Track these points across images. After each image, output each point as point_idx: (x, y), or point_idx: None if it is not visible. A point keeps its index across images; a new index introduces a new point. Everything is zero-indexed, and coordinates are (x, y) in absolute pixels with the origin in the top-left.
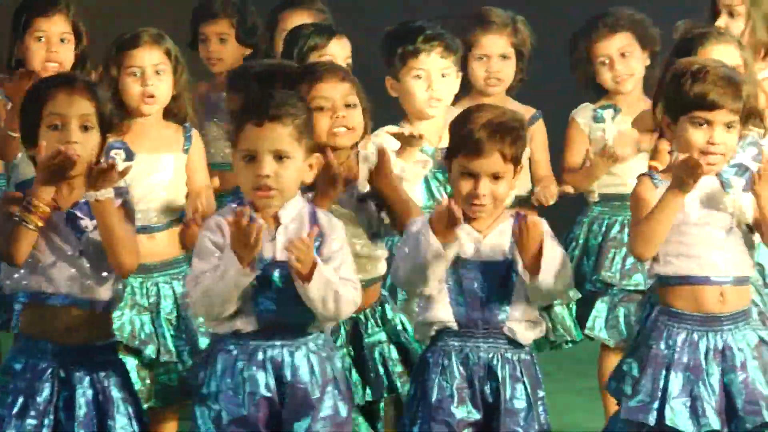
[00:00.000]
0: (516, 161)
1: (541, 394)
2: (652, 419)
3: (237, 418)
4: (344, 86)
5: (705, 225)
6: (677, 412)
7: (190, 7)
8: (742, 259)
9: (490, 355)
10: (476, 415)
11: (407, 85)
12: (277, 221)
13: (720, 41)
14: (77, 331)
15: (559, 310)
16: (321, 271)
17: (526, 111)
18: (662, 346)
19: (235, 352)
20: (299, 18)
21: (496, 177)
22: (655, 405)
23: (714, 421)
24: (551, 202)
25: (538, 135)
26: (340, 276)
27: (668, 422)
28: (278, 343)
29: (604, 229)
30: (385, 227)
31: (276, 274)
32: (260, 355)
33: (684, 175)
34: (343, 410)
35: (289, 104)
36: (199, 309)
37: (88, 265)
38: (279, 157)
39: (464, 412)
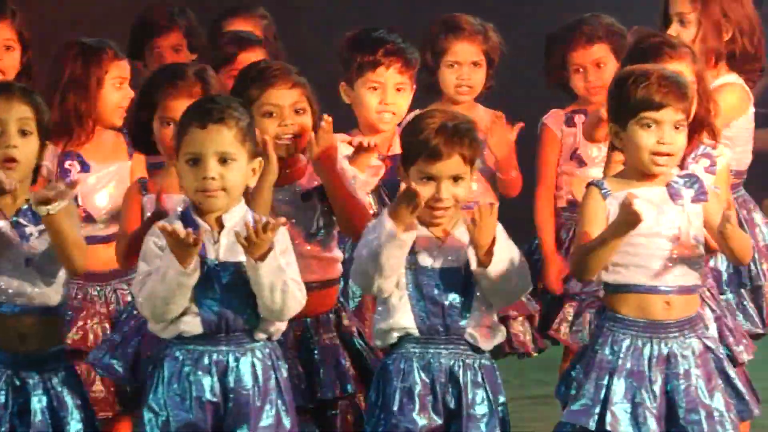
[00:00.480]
0: (473, 162)
1: (501, 399)
2: (592, 423)
3: (185, 423)
4: (294, 92)
5: (653, 235)
6: (618, 417)
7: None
8: (690, 269)
9: (452, 362)
10: (438, 422)
11: (361, 94)
12: (220, 225)
13: (674, 58)
14: (29, 338)
15: (518, 324)
16: (275, 255)
17: None
18: (607, 351)
19: (181, 358)
20: (240, 25)
21: (456, 179)
22: (597, 409)
23: (654, 428)
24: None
25: None
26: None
27: (608, 427)
28: (224, 348)
29: (570, 235)
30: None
31: (219, 276)
32: (206, 360)
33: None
34: (287, 421)
35: (232, 108)
36: (145, 311)
37: (36, 271)
38: (223, 159)
39: (426, 419)
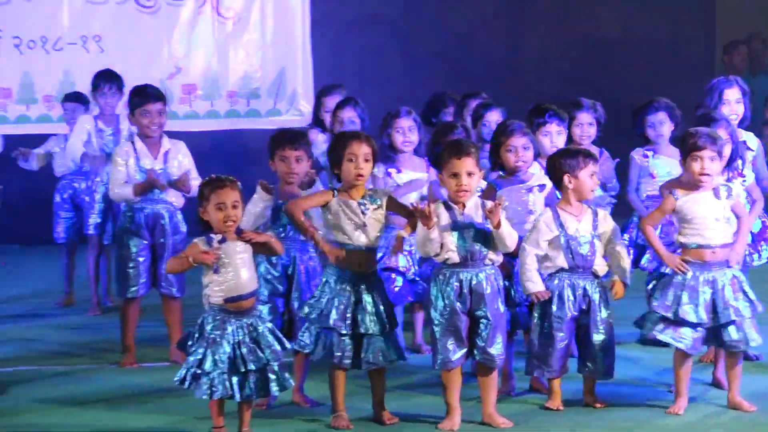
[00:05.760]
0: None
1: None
2: (671, 314)
3: (452, 308)
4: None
5: (705, 217)
6: (685, 310)
7: None
8: (727, 233)
9: (583, 282)
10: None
11: (540, 139)
12: (463, 206)
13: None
14: (362, 265)
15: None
16: (506, 223)
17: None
18: (680, 277)
19: (447, 274)
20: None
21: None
22: (673, 307)
23: (704, 316)
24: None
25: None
26: None
27: (681, 315)
28: (471, 269)
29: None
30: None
31: (468, 228)
32: (461, 276)
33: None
34: (502, 308)
35: (471, 145)
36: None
37: (368, 231)
38: (469, 174)
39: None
